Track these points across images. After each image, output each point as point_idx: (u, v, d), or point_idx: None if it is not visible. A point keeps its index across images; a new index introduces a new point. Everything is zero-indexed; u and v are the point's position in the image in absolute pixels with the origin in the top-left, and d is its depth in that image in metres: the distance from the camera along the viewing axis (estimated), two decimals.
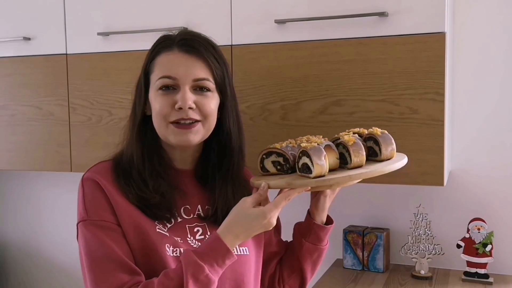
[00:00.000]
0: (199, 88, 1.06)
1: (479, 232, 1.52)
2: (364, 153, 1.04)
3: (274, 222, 0.99)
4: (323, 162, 0.99)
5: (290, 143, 1.11)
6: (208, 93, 1.07)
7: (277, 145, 1.10)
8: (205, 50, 1.07)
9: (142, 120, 1.10)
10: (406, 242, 1.59)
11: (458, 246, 1.55)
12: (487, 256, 1.51)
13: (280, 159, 1.09)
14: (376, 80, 1.31)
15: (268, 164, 1.10)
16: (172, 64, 1.06)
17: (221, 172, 1.13)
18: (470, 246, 1.53)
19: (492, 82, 1.60)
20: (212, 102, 1.08)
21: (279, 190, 1.05)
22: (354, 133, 1.11)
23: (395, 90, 1.30)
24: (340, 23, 1.33)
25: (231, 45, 1.43)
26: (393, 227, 1.70)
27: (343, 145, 1.05)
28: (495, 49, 1.59)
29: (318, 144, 1.02)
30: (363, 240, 1.64)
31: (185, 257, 0.95)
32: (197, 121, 1.06)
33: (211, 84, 1.07)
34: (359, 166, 1.03)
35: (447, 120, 1.33)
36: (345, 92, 1.34)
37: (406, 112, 1.29)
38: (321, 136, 1.14)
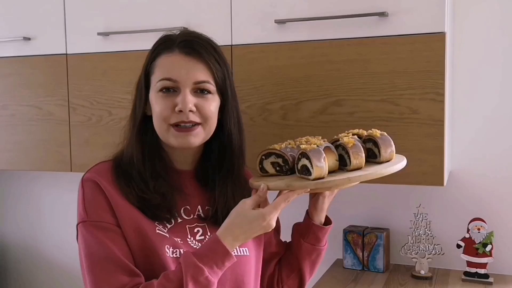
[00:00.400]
0: (199, 91, 1.06)
1: (479, 232, 1.52)
2: (364, 155, 1.04)
3: (274, 224, 0.99)
4: (323, 164, 0.98)
5: (290, 144, 1.11)
6: (209, 95, 1.07)
7: (276, 146, 1.09)
8: (206, 52, 1.06)
9: (142, 120, 1.09)
10: (406, 242, 1.59)
11: (458, 246, 1.55)
12: (487, 256, 1.51)
13: (279, 160, 1.08)
14: (376, 80, 1.31)
15: (267, 165, 1.10)
16: (172, 66, 1.05)
17: (221, 173, 1.13)
18: (470, 246, 1.53)
19: (492, 82, 1.60)
20: (213, 104, 1.07)
21: (278, 191, 1.05)
22: (353, 134, 1.11)
23: (395, 90, 1.30)
24: (340, 23, 1.33)
25: (231, 45, 1.43)
26: (393, 227, 1.70)
27: (342, 146, 1.04)
28: (495, 49, 1.59)
29: (317, 145, 1.02)
30: (363, 240, 1.64)
31: (185, 258, 0.95)
32: (197, 123, 1.06)
33: (211, 87, 1.07)
34: (359, 168, 1.03)
35: (447, 120, 1.32)
36: (345, 92, 1.34)
37: (406, 112, 1.29)
38: (320, 137, 1.13)
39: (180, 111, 1.03)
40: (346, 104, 1.34)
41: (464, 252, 1.54)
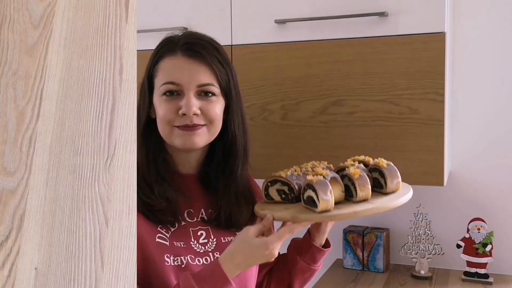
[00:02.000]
0: (203, 93, 1.05)
1: (479, 232, 1.52)
2: (370, 186, 1.01)
3: (276, 253, 0.98)
4: (329, 197, 0.97)
5: (295, 171, 1.09)
6: (213, 97, 1.05)
7: (282, 174, 1.07)
8: (208, 54, 1.04)
9: (146, 123, 1.08)
10: (406, 242, 1.59)
11: (458, 246, 1.55)
12: (487, 256, 1.51)
13: (285, 188, 1.06)
14: (376, 80, 1.31)
15: (273, 192, 1.08)
16: (175, 69, 1.04)
17: (224, 175, 1.12)
18: (470, 246, 1.53)
19: (492, 82, 1.60)
20: (217, 106, 1.06)
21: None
22: (359, 161, 1.09)
23: (395, 90, 1.30)
24: (340, 23, 1.33)
25: (231, 45, 1.43)
26: (393, 227, 1.70)
27: (348, 177, 1.02)
28: (495, 49, 1.59)
29: (324, 176, 1.00)
30: (363, 240, 1.64)
31: (184, 281, 0.94)
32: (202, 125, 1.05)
33: (215, 89, 1.05)
34: (365, 200, 1.01)
35: (447, 120, 1.33)
36: (345, 92, 1.34)
37: (406, 112, 1.29)
38: (326, 163, 1.12)
39: (184, 114, 1.02)
40: (346, 104, 1.34)
41: (464, 252, 1.54)
